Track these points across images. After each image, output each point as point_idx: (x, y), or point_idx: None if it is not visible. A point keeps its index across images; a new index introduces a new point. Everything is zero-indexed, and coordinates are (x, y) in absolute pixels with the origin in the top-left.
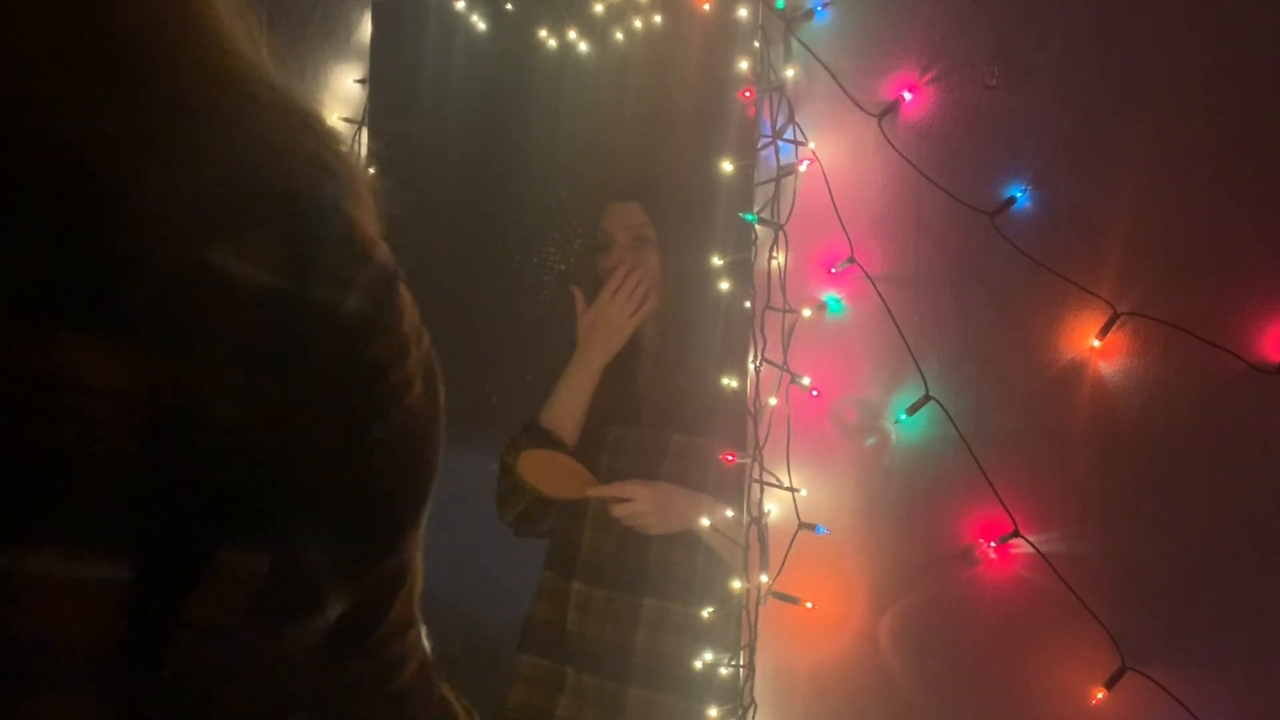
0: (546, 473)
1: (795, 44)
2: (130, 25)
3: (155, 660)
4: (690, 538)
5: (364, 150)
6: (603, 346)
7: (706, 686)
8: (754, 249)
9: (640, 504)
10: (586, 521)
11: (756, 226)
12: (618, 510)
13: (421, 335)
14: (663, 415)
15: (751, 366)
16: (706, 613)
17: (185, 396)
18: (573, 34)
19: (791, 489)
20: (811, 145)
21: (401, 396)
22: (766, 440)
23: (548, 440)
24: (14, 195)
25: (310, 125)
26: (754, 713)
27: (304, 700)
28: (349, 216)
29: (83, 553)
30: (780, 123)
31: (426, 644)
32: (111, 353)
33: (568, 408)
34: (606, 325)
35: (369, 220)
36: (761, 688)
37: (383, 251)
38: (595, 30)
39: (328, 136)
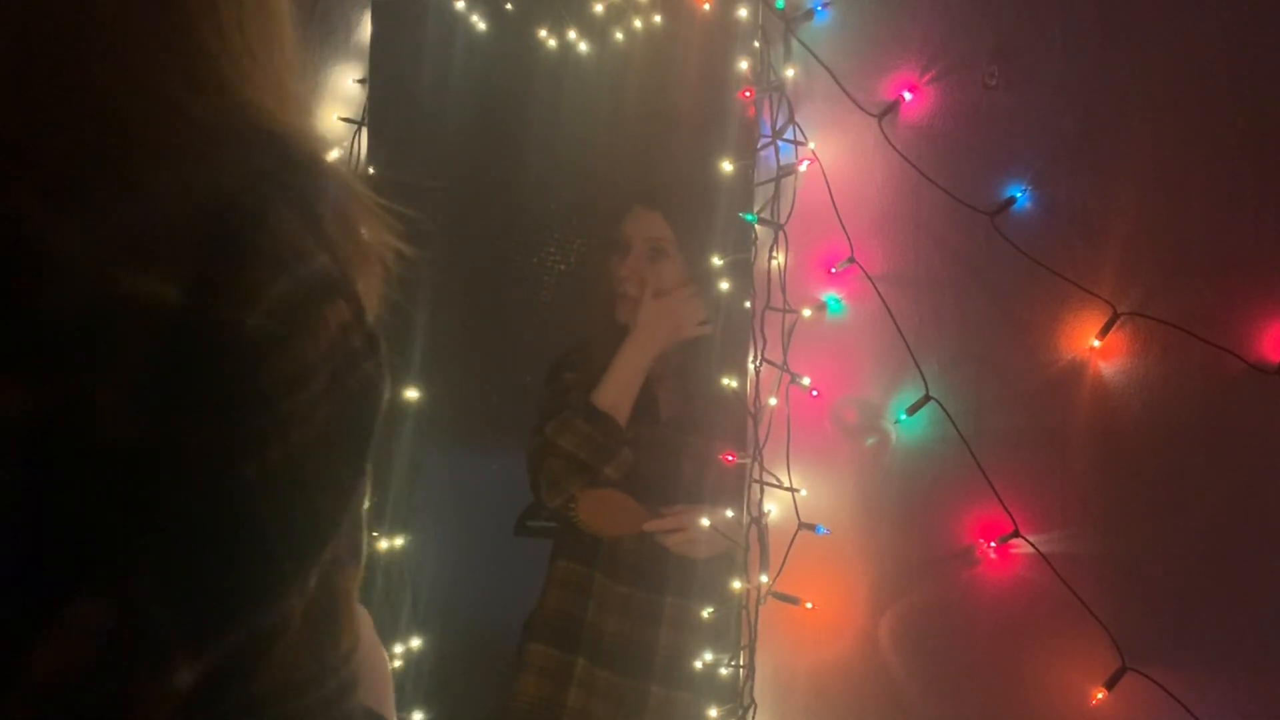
0: (603, 512)
1: (795, 44)
2: (45, 72)
3: None
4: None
5: (363, 150)
6: (665, 336)
7: (707, 686)
8: (754, 249)
9: (691, 531)
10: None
11: (756, 226)
12: (670, 540)
13: (357, 357)
14: (681, 417)
15: (751, 366)
16: (707, 613)
17: (70, 421)
18: (573, 34)
19: (791, 489)
20: (811, 145)
21: (289, 429)
22: (766, 440)
23: (605, 422)
24: None
25: (262, 138)
26: (754, 713)
27: None
28: (276, 229)
29: None
30: (780, 123)
31: (357, 699)
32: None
33: (624, 390)
34: (673, 319)
35: (312, 230)
36: (761, 688)
37: (315, 265)
38: (595, 30)
39: (285, 146)
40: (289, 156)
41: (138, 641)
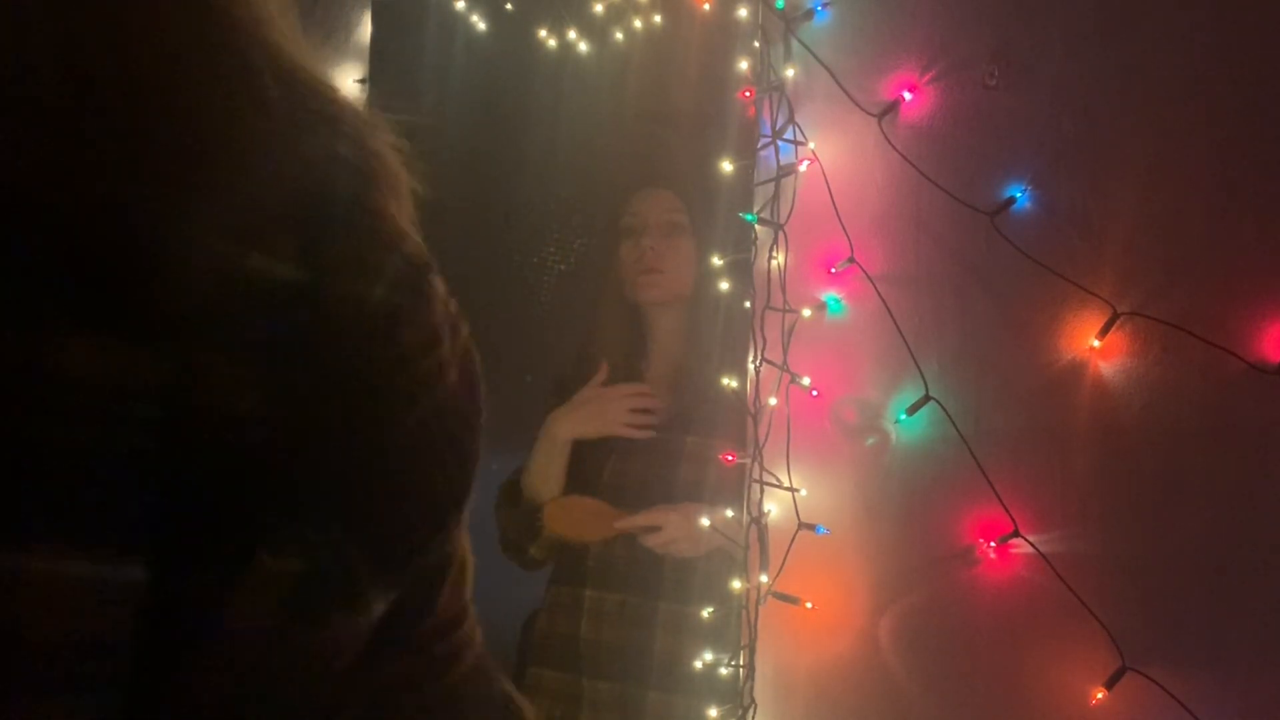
0: (572, 519)
1: (795, 44)
2: (132, 67)
3: (184, 663)
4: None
5: None
6: (581, 427)
7: (707, 686)
8: (754, 249)
9: (671, 530)
10: None
11: (756, 226)
12: (650, 540)
13: (458, 324)
14: (676, 416)
15: (751, 366)
16: (706, 613)
17: (208, 393)
18: (573, 34)
19: (791, 489)
20: (811, 145)
21: (433, 385)
22: (766, 440)
23: (527, 507)
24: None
25: (329, 120)
26: (754, 713)
27: (350, 700)
28: (372, 209)
29: (99, 553)
30: (780, 123)
31: (480, 638)
32: (127, 351)
33: (545, 475)
34: (601, 415)
35: (400, 213)
36: (761, 688)
37: (412, 243)
38: (595, 30)
39: (350, 129)
40: (360, 140)
41: (334, 582)
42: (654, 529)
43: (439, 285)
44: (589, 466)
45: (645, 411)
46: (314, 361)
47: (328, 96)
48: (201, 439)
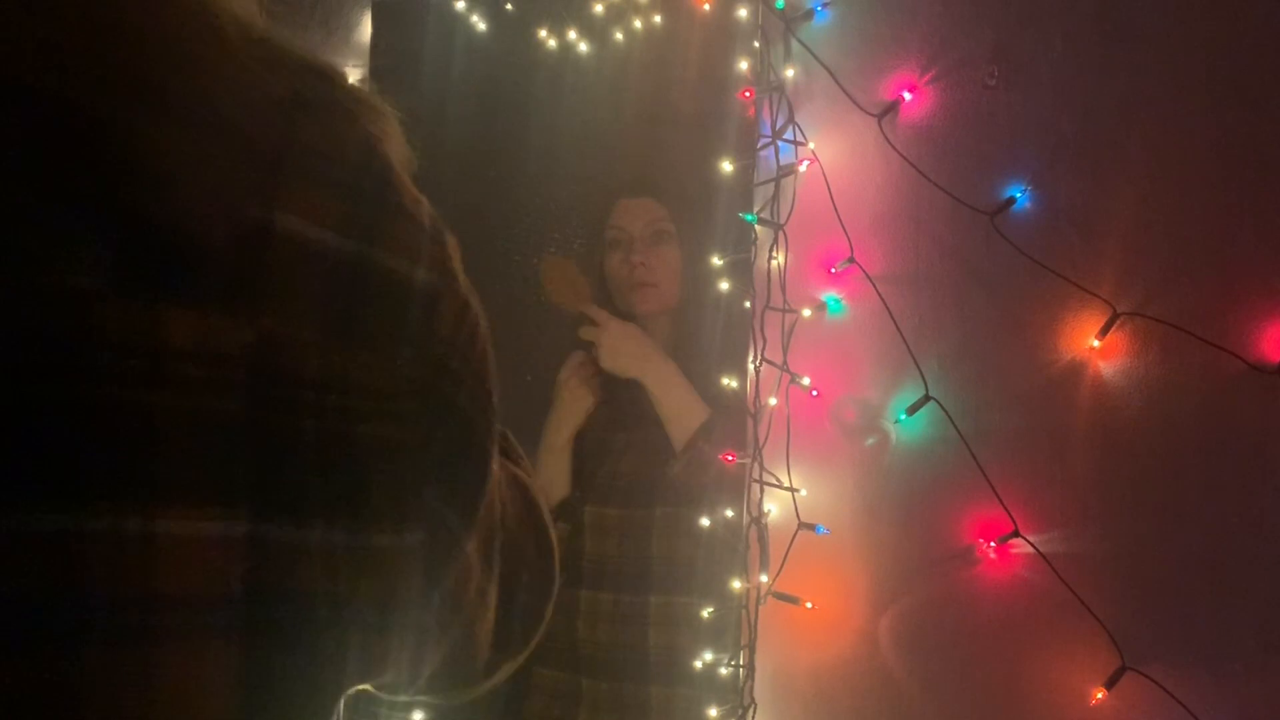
0: (559, 280)
1: (795, 44)
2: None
3: (285, 607)
4: (690, 529)
5: None
6: (562, 425)
7: (707, 686)
8: (754, 249)
9: (602, 333)
10: (585, 529)
11: (756, 226)
12: (584, 332)
13: (471, 291)
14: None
15: (751, 366)
16: (706, 613)
17: (277, 356)
18: (573, 34)
19: (791, 489)
20: (811, 145)
21: (469, 350)
22: (766, 440)
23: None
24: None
25: (316, 72)
26: (754, 713)
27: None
28: (404, 187)
29: (206, 510)
30: (780, 123)
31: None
32: (205, 320)
33: (550, 483)
34: (566, 398)
35: (406, 175)
36: (761, 688)
37: (427, 209)
38: (595, 30)
39: (368, 106)
40: (377, 118)
41: (450, 548)
42: (595, 324)
43: (453, 242)
44: (587, 465)
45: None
46: (370, 334)
47: (308, 57)
48: (281, 400)
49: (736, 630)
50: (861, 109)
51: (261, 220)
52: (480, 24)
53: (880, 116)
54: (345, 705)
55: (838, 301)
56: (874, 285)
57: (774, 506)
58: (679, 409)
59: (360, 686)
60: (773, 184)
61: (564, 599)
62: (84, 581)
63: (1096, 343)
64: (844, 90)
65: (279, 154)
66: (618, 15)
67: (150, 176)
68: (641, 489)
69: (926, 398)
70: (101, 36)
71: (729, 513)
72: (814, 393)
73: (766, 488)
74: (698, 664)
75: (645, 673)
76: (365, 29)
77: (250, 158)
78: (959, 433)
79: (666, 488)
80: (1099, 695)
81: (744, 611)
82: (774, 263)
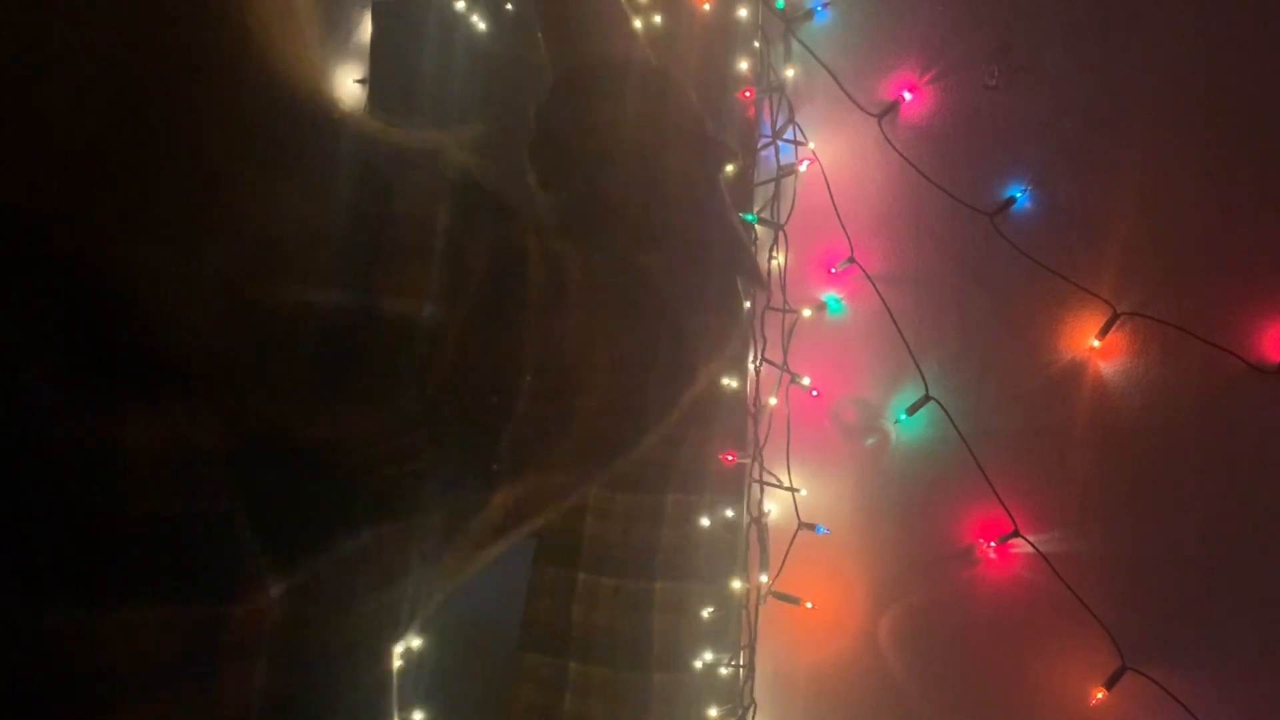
0: None
1: (795, 44)
2: (158, 94)
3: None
4: (702, 515)
5: None
6: None
7: (707, 687)
8: (754, 249)
9: None
10: (587, 511)
11: (756, 226)
12: None
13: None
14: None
15: (751, 366)
16: (706, 613)
17: (276, 434)
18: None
19: (791, 489)
20: (811, 145)
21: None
22: (766, 440)
23: None
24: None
25: (365, 137)
26: (754, 713)
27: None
28: (422, 216)
29: (200, 601)
30: (780, 123)
31: None
32: (184, 416)
33: None
34: None
35: (451, 210)
36: (761, 688)
37: (476, 255)
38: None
39: (392, 146)
40: (399, 154)
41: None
42: None
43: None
44: None
45: None
46: (371, 386)
47: (346, 112)
48: (287, 471)
49: (736, 630)
50: (861, 109)
51: (247, 300)
52: (480, 24)
53: (880, 116)
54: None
55: (838, 301)
56: (874, 285)
57: (774, 506)
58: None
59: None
60: (773, 184)
61: (560, 582)
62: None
63: (1096, 343)
64: (844, 90)
65: (308, 232)
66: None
67: (128, 296)
68: (654, 473)
69: (926, 398)
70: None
71: (729, 513)
72: (814, 393)
73: (766, 488)
74: (698, 664)
75: (647, 660)
76: (365, 29)
77: (274, 244)
78: (959, 433)
79: (678, 474)
80: (1099, 695)
81: (744, 611)
82: (774, 263)
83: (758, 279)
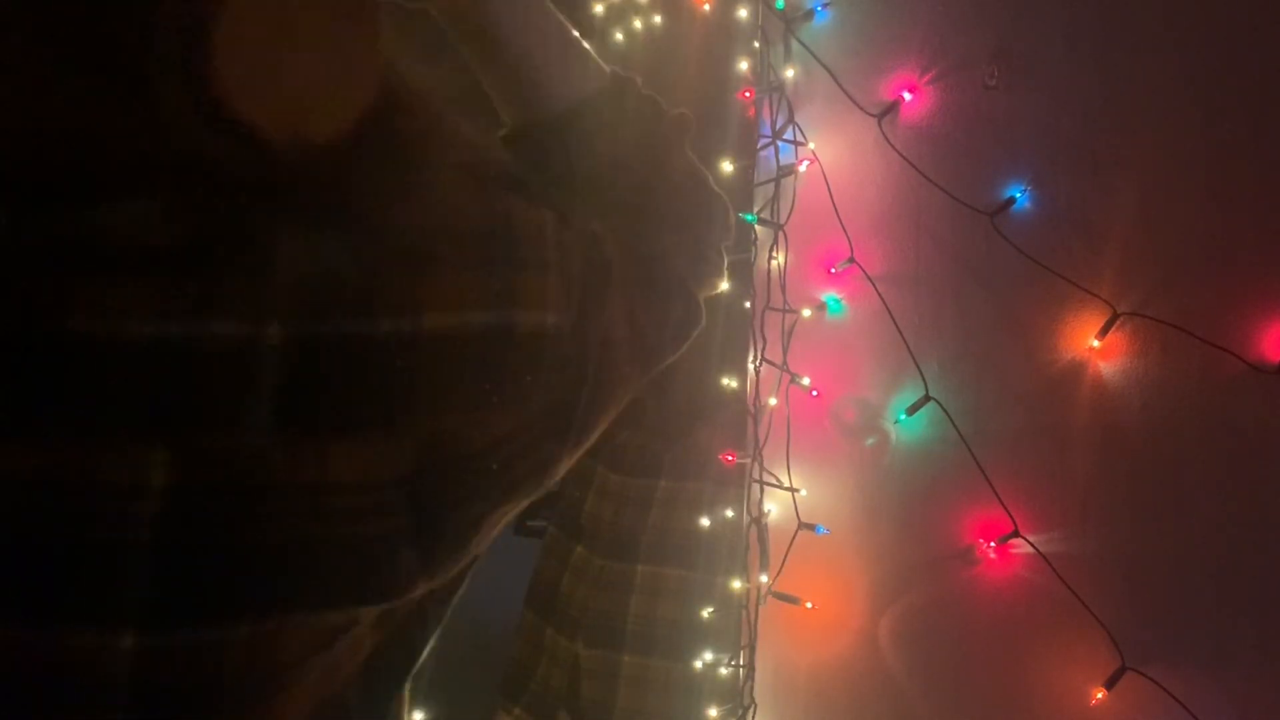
0: None
1: (795, 44)
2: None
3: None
4: (690, 502)
5: None
6: None
7: (707, 687)
8: (754, 249)
9: None
10: (592, 486)
11: (756, 226)
12: None
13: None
14: (668, 416)
15: (751, 366)
16: (706, 613)
17: (445, 448)
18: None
19: (791, 489)
20: (811, 145)
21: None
22: (766, 440)
23: None
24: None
25: (461, 144)
26: (754, 713)
27: None
28: (538, 231)
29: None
30: (780, 123)
31: None
32: (370, 448)
33: None
34: None
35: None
36: (761, 688)
37: (568, 256)
38: (595, 30)
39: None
40: (501, 167)
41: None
42: None
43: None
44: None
45: None
46: (518, 391)
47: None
48: (454, 478)
49: (736, 630)
50: (861, 109)
51: (416, 329)
52: None
53: (880, 116)
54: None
55: (838, 301)
56: (874, 285)
57: (774, 506)
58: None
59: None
60: (773, 184)
61: (561, 549)
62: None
63: (1096, 343)
64: (844, 90)
65: (439, 252)
66: (618, 15)
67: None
68: (651, 459)
69: (926, 398)
70: None
71: (729, 513)
72: (814, 393)
73: (766, 488)
74: (697, 664)
75: (620, 641)
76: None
77: (405, 264)
78: (959, 433)
79: (672, 461)
80: (1099, 695)
81: (744, 611)
82: (774, 263)
83: (744, 237)
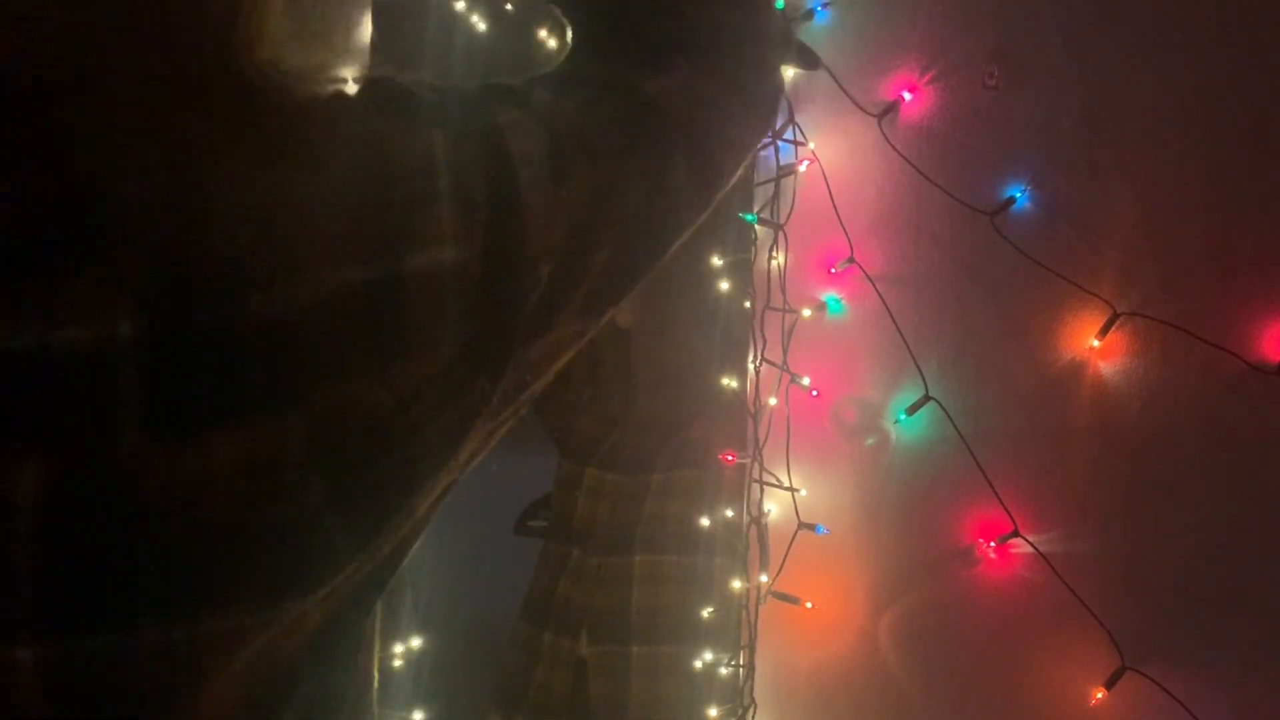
0: None
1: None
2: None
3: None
4: (685, 491)
5: None
6: None
7: (707, 687)
8: (754, 249)
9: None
10: (581, 488)
11: (756, 226)
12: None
13: None
14: (660, 413)
15: (751, 366)
16: (707, 613)
17: (347, 418)
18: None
19: (791, 489)
20: (811, 145)
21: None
22: (766, 440)
23: None
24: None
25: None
26: (754, 713)
27: None
28: (420, 161)
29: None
30: (780, 123)
31: None
32: (255, 433)
33: None
34: None
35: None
36: (761, 688)
37: (474, 176)
38: None
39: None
40: (377, 106)
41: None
42: None
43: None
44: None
45: None
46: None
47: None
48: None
49: (736, 630)
50: (861, 109)
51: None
52: (480, 24)
53: (880, 116)
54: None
55: (838, 301)
56: (874, 285)
57: (774, 506)
58: None
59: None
60: (773, 184)
61: (556, 559)
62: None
63: (1096, 343)
64: (844, 90)
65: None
66: None
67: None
68: (645, 455)
69: (926, 398)
70: None
71: (729, 513)
72: (814, 393)
73: (766, 488)
74: (697, 664)
75: (625, 633)
76: (366, 29)
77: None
78: (959, 433)
79: (668, 456)
80: (1099, 695)
81: (744, 611)
82: (774, 263)
83: (809, 58)
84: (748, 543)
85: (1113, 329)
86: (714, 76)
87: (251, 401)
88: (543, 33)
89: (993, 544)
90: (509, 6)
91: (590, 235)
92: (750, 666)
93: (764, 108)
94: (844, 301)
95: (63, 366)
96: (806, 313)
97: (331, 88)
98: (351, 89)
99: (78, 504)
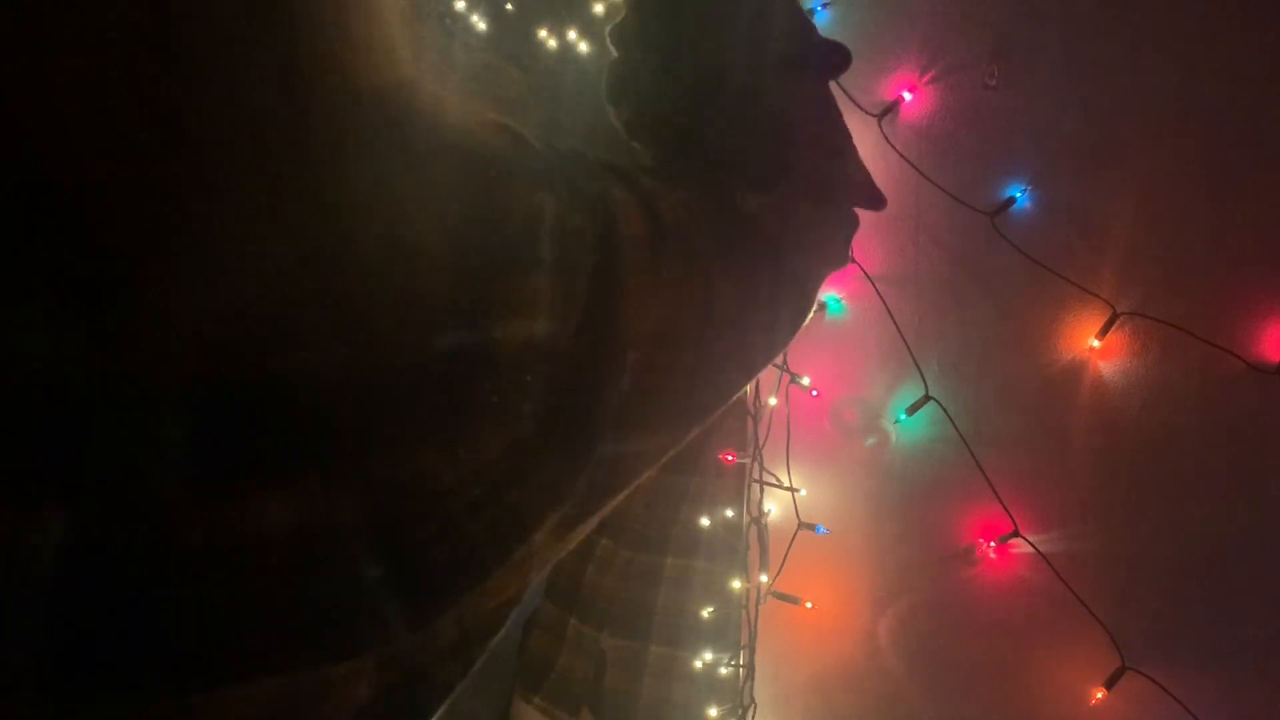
0: None
1: None
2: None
3: None
4: (722, 500)
5: None
6: None
7: (707, 687)
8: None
9: None
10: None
11: None
12: None
13: None
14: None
15: None
16: (707, 612)
17: (406, 490)
18: (573, 34)
19: (791, 489)
20: None
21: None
22: (766, 440)
23: None
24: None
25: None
26: (754, 713)
27: None
28: (528, 216)
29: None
30: None
31: None
32: (305, 499)
33: None
34: None
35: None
36: (761, 688)
37: (580, 249)
38: (595, 30)
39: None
40: (482, 139)
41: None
42: None
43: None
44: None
45: None
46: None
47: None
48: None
49: (736, 630)
50: (862, 109)
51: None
52: (480, 24)
53: (880, 116)
54: None
55: (838, 301)
56: (874, 285)
57: (774, 506)
58: None
59: None
60: None
61: (584, 543)
62: None
63: (1096, 343)
64: (844, 90)
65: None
66: (618, 15)
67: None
68: (685, 455)
69: (926, 398)
70: None
71: (729, 513)
72: (814, 393)
73: (766, 488)
74: (697, 664)
75: (649, 632)
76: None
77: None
78: (959, 433)
79: (708, 456)
80: (1099, 695)
81: (744, 611)
82: None
83: (876, 199)
84: (748, 543)
85: (1113, 329)
86: (810, 202)
87: (304, 465)
88: (542, 33)
89: (993, 544)
90: (509, 6)
91: (675, 331)
92: (750, 666)
93: (846, 231)
94: (844, 301)
95: (100, 406)
96: None
97: (437, 121)
98: (461, 124)
99: (105, 554)
